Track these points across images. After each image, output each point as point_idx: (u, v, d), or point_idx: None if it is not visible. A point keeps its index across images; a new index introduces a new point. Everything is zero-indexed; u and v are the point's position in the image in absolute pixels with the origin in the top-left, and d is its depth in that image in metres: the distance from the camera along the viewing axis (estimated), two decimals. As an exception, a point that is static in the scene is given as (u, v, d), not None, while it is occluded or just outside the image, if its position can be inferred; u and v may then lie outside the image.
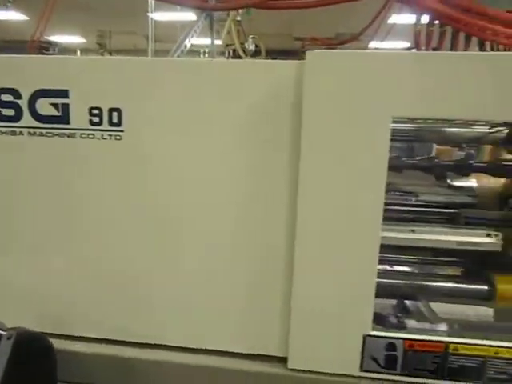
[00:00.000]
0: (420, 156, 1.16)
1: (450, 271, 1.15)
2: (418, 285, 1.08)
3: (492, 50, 1.41)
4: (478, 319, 1.20)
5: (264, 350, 0.89)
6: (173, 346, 0.93)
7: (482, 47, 1.45)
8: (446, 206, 1.02)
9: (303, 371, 0.87)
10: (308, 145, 0.77)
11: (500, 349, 0.82)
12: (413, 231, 0.96)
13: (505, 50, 1.37)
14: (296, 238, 0.81)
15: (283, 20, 5.81)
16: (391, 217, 1.02)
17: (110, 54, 5.72)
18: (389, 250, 1.18)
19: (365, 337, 0.84)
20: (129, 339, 0.93)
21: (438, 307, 1.17)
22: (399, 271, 1.15)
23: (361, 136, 0.76)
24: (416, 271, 1.18)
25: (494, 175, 0.98)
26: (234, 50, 4.31)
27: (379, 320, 0.97)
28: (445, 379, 0.84)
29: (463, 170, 0.95)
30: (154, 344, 0.93)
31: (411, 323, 1.04)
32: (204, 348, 0.91)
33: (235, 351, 0.90)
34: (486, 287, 1.01)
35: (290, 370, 0.87)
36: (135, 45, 6.25)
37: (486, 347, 0.82)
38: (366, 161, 0.76)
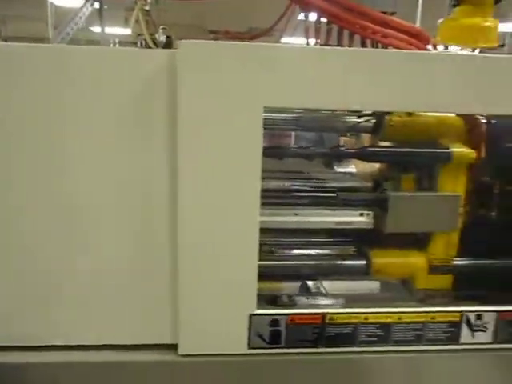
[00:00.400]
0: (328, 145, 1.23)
1: (344, 251, 1.23)
2: (310, 265, 1.17)
3: (372, 47, 1.55)
4: (366, 292, 1.31)
5: (154, 339, 0.90)
6: (60, 346, 0.89)
7: (363, 44, 1.59)
8: (329, 190, 1.11)
9: (194, 355, 0.89)
10: (184, 134, 0.78)
11: (368, 315, 0.92)
12: (296, 214, 1.03)
13: (382, 48, 1.51)
14: (178, 227, 0.82)
15: (196, 12, 5.74)
16: (279, 202, 1.09)
17: (6, 41, 5.20)
18: (286, 234, 1.26)
19: (250, 316, 0.88)
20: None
21: (339, 284, 1.27)
22: (297, 254, 1.21)
23: (234, 125, 0.79)
24: (313, 253, 1.25)
25: (364, 160, 1.08)
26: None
27: (273, 301, 1.03)
28: (324, 347, 0.92)
29: (336, 156, 1.04)
30: (40, 346, 0.89)
31: (302, 300, 1.12)
32: (92, 344, 0.89)
33: (124, 343, 0.89)
34: (364, 262, 1.12)
35: (181, 356, 0.89)
36: (36, 32, 5.75)
37: (357, 315, 0.92)
38: (241, 150, 0.80)
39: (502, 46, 4.67)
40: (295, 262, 1.15)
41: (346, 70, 0.82)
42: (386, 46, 1.51)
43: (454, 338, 0.95)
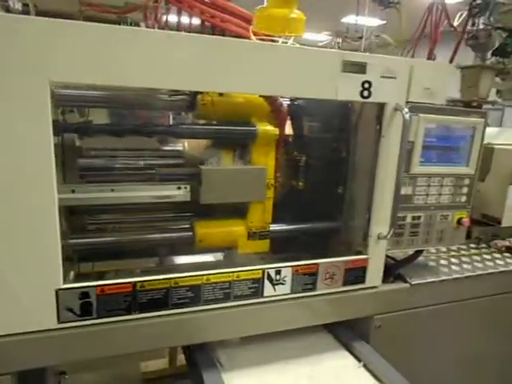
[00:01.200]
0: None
1: (182, 224, 1.28)
2: (140, 240, 1.20)
3: (212, 30, 1.61)
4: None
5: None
6: None
7: (203, 27, 1.65)
8: (151, 166, 1.15)
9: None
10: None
11: (178, 279, 1.00)
12: (112, 190, 1.05)
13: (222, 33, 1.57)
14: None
15: (65, -20, 5.25)
16: (101, 180, 1.10)
17: None
18: (126, 213, 1.28)
19: (57, 291, 0.89)
20: None
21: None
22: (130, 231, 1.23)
23: (18, 100, 0.77)
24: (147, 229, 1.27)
25: (174, 137, 1.15)
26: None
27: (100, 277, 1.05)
28: (137, 313, 0.97)
29: (146, 133, 1.08)
30: None
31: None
32: None
33: None
34: (190, 233, 1.20)
35: (-17, 338, 0.87)
36: None
37: (167, 280, 0.99)
38: (25, 125, 0.79)
39: (360, 38, 5.21)
40: (126, 238, 1.18)
41: (141, 49, 0.85)
42: (223, 30, 1.59)
43: (259, 293, 1.09)
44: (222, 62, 0.92)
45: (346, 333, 1.30)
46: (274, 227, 1.26)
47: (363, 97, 1.05)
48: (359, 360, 1.22)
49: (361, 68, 1.03)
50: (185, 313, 1.02)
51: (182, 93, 1.10)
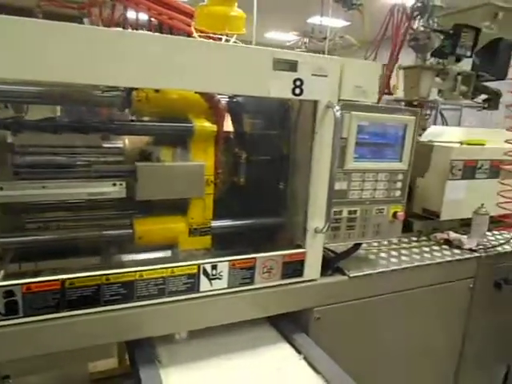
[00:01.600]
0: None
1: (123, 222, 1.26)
2: (77, 238, 1.18)
3: (159, 27, 1.61)
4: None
5: None
6: None
7: (150, 24, 1.65)
8: (86, 163, 1.14)
9: None
10: None
11: (109, 276, 0.99)
12: (44, 187, 1.03)
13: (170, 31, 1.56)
14: None
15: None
16: (33, 177, 1.08)
17: None
18: (67, 210, 1.25)
19: (-22, 290, 0.87)
20: None
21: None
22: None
23: None
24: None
25: (111, 133, 1.14)
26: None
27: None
28: (67, 310, 0.96)
29: (81, 129, 1.07)
30: None
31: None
32: None
33: None
34: (130, 231, 1.19)
35: None
36: None
37: (97, 277, 0.98)
38: None
39: (324, 38, 5.29)
40: (61, 236, 1.16)
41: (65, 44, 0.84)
42: (170, 28, 1.59)
43: (195, 288, 1.10)
44: (154, 59, 0.92)
45: (288, 326, 1.33)
46: (215, 223, 1.27)
47: (295, 94, 1.08)
48: (299, 352, 1.25)
49: (292, 66, 1.05)
50: (118, 309, 1.01)
51: (117, 89, 1.09)
